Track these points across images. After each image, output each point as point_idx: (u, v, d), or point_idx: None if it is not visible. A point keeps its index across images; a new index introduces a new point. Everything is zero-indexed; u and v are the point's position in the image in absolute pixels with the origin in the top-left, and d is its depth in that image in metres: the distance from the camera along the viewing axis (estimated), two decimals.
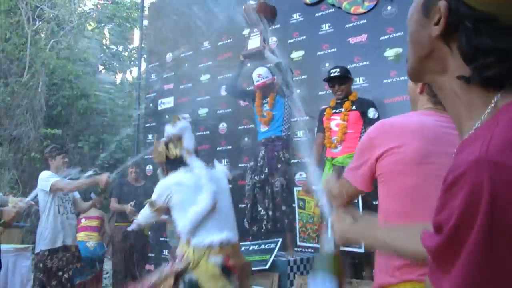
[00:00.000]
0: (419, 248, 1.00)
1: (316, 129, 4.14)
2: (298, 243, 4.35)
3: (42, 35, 11.39)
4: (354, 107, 3.79)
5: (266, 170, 3.90)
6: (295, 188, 4.17)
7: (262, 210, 3.87)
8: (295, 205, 4.08)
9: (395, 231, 1.21)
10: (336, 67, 3.98)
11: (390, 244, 1.18)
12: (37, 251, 4.19)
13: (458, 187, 0.57)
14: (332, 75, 3.92)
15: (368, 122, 3.69)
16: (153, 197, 2.83)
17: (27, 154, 9.12)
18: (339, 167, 3.63)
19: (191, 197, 2.74)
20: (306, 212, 4.05)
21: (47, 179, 4.20)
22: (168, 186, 2.81)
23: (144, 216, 2.94)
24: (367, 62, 5.08)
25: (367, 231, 1.28)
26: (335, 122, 3.83)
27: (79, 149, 10.43)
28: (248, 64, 4.54)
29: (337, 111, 3.87)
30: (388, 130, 1.37)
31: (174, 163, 2.91)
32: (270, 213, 3.83)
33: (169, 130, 2.98)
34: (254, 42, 4.24)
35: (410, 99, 1.51)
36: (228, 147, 5.88)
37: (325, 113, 3.95)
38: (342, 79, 3.90)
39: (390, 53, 4.95)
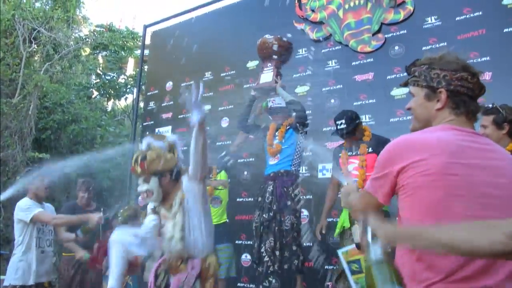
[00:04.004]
0: (483, 243, 1.06)
1: (331, 168, 4.02)
2: None
3: (36, 58, 11.25)
4: (370, 149, 3.61)
5: (275, 207, 3.71)
6: (339, 251, 3.44)
7: (270, 250, 3.65)
8: (347, 272, 3.27)
9: (453, 229, 1.17)
10: (341, 116, 3.69)
11: (448, 241, 1.13)
12: (5, 284, 3.89)
13: None
14: (339, 128, 3.65)
15: None
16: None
17: (12, 178, 8.79)
18: None
19: None
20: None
21: (28, 209, 3.91)
22: None
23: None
24: (373, 100, 5.04)
25: (415, 231, 1.24)
26: (352, 166, 3.64)
27: (65, 175, 10.10)
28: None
29: (353, 153, 3.69)
30: (409, 144, 1.37)
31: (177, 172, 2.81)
32: (277, 253, 3.62)
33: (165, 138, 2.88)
34: (266, 77, 4.14)
35: (422, 117, 1.51)
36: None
37: (340, 154, 3.76)
38: (351, 130, 3.64)
39: (396, 92, 4.92)
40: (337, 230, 3.62)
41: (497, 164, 1.33)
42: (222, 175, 4.75)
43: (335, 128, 3.68)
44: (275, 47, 4.06)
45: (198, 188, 2.71)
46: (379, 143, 3.61)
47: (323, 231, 3.74)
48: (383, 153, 1.44)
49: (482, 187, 1.28)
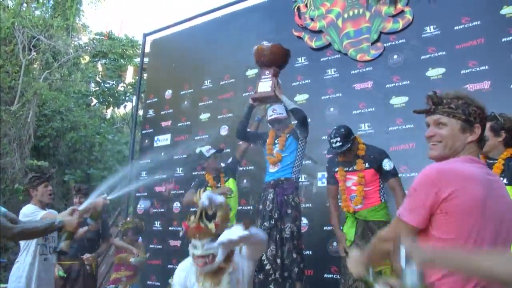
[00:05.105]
0: None
1: (326, 180, 3.95)
2: None
3: (36, 66, 11.27)
4: (367, 165, 3.56)
5: (276, 215, 3.70)
6: None
7: (272, 258, 3.63)
8: None
9: (495, 257, 1.24)
10: (335, 134, 3.55)
11: (489, 270, 1.19)
12: None
13: None
14: (334, 146, 3.52)
15: (385, 174, 3.51)
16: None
17: (10, 185, 8.76)
18: (363, 221, 3.49)
19: None
20: None
21: (33, 214, 3.84)
22: None
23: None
24: (373, 109, 5.05)
25: (455, 255, 1.30)
26: (351, 182, 3.61)
27: (64, 182, 10.10)
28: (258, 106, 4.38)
29: (350, 169, 3.64)
30: (450, 173, 1.50)
31: None
32: (278, 260, 3.60)
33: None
34: (264, 86, 4.06)
35: (454, 147, 1.60)
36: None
37: (337, 169, 3.71)
38: (347, 147, 3.52)
39: (396, 101, 4.93)
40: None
41: (503, 193, 1.58)
42: (230, 183, 4.61)
43: (330, 146, 3.58)
44: (272, 54, 3.99)
45: (248, 265, 2.44)
46: (374, 155, 3.59)
47: (345, 245, 3.62)
48: (421, 179, 1.53)
49: (504, 213, 1.50)
